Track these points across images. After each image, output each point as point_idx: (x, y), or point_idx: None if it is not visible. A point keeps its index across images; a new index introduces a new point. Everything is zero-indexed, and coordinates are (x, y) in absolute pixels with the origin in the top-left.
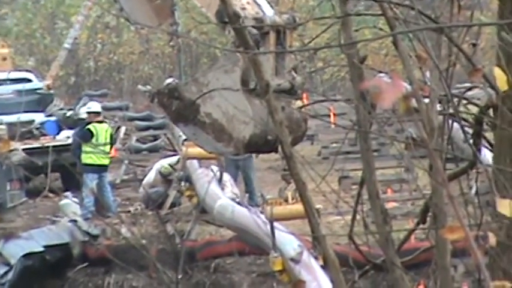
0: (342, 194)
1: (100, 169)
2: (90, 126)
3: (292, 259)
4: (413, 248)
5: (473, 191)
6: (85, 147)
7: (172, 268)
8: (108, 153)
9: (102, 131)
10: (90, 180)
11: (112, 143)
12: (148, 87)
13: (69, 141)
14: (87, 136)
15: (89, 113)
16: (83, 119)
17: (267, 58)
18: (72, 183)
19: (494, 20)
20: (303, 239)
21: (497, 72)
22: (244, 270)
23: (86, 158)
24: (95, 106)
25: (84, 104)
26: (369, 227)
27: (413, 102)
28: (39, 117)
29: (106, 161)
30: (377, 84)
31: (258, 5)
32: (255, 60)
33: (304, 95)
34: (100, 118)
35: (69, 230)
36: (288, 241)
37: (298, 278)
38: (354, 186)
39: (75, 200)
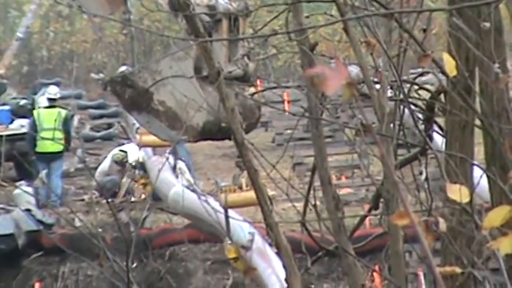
0: (297, 181)
1: (48, 157)
2: (34, 112)
3: (243, 246)
4: (368, 234)
5: (423, 176)
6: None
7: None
8: (61, 139)
9: (47, 116)
10: (41, 170)
11: (66, 128)
12: (102, 75)
13: (23, 130)
14: (32, 124)
15: (48, 99)
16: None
17: (220, 45)
18: (26, 172)
19: (445, 6)
20: (258, 226)
21: (446, 58)
22: (199, 258)
23: (36, 147)
24: (51, 91)
25: (43, 94)
26: (320, 213)
27: (365, 89)
28: None
29: (54, 148)
30: (321, 71)
31: None
32: (206, 48)
33: (258, 82)
34: (51, 104)
35: (15, 219)
36: (239, 228)
37: (250, 265)
38: (308, 173)
39: (29, 189)
